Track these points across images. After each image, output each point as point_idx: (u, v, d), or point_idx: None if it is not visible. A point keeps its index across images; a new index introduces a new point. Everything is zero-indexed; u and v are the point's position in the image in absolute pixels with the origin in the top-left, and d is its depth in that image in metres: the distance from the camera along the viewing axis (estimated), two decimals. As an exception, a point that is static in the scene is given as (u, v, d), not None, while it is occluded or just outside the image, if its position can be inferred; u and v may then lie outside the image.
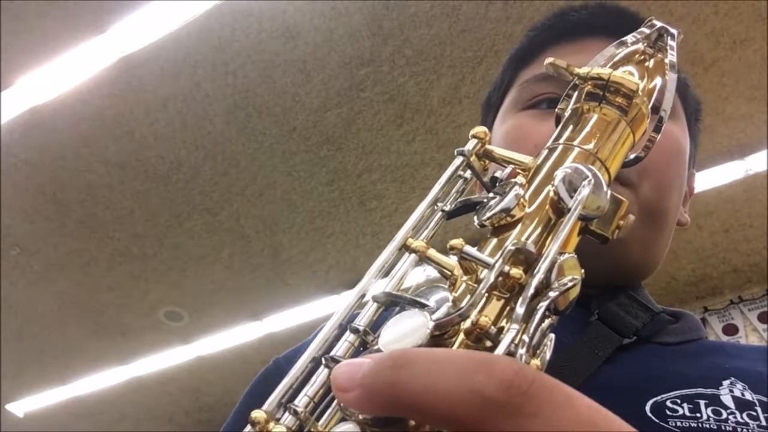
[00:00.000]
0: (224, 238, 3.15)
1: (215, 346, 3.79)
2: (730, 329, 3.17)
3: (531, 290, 0.26)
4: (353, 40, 2.35)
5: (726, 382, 0.47)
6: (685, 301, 3.29)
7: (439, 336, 0.25)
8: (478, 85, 2.47)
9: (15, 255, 3.22)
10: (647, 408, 0.45)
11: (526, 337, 0.25)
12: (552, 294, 0.26)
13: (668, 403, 0.45)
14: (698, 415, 0.44)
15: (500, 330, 0.26)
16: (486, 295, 0.27)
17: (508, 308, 0.27)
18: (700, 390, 0.46)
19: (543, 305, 0.26)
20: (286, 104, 2.58)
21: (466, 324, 0.25)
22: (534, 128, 0.58)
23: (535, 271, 0.27)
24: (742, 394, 0.46)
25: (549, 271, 0.27)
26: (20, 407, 4.32)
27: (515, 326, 0.25)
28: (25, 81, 2.46)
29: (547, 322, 0.26)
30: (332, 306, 3.48)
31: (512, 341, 0.24)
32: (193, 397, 4.32)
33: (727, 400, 0.45)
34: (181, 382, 4.14)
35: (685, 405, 0.45)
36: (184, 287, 3.44)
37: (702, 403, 0.45)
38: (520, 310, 0.25)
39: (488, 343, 0.25)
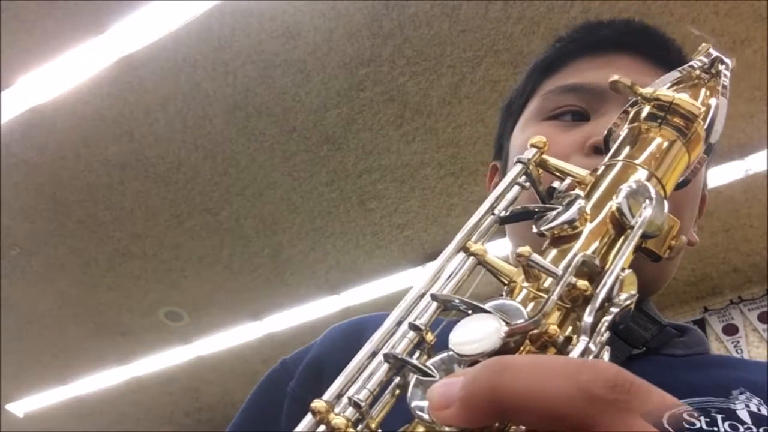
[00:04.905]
0: (224, 238, 3.15)
1: (215, 346, 3.79)
2: (730, 329, 3.17)
3: (598, 303, 0.27)
4: (353, 40, 2.35)
5: (735, 392, 0.48)
6: (685, 301, 3.29)
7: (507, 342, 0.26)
8: (478, 85, 2.47)
9: (15, 255, 3.22)
10: (664, 420, 0.44)
11: (592, 347, 0.26)
12: (614, 309, 0.27)
13: (685, 416, 0.45)
14: (715, 429, 0.44)
15: (566, 339, 0.26)
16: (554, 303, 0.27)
17: (569, 318, 0.28)
18: (712, 399, 0.47)
19: (608, 318, 0.27)
20: (286, 104, 2.58)
21: (533, 331, 0.26)
22: (555, 139, 0.57)
23: (602, 284, 0.28)
24: (758, 410, 0.46)
25: (613, 285, 0.28)
26: (20, 407, 4.32)
27: (584, 337, 0.26)
28: (25, 81, 2.45)
29: (606, 335, 0.27)
30: (332, 306, 3.49)
31: (582, 351, 0.25)
32: (193, 397, 4.32)
33: (743, 414, 0.46)
34: (181, 382, 4.14)
35: (702, 418, 0.45)
36: (184, 287, 3.43)
37: (719, 417, 0.45)
38: (588, 320, 0.26)
39: (553, 352, 0.26)
